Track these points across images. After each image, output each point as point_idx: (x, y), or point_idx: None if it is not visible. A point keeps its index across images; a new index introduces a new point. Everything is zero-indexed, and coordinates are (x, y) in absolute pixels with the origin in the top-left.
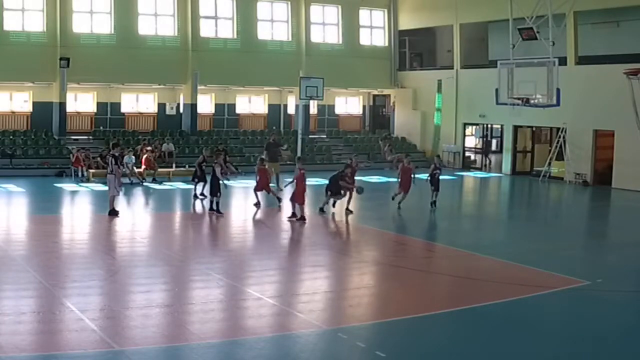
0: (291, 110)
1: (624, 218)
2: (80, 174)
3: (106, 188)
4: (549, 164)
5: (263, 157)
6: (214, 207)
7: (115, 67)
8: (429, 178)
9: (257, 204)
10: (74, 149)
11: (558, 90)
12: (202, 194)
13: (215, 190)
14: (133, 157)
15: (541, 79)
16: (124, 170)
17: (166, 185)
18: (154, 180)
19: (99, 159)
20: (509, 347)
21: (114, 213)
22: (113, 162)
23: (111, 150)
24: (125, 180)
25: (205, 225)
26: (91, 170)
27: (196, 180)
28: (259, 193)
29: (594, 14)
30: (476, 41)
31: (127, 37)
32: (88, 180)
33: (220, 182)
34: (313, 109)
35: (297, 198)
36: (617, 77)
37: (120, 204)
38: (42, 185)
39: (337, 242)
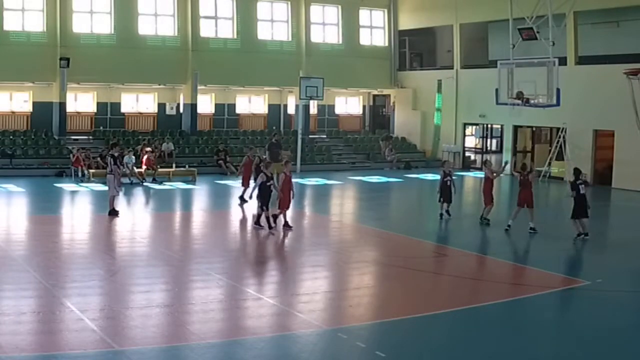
0: (291, 110)
1: (624, 218)
2: (80, 174)
3: (106, 188)
4: (549, 164)
5: (265, 156)
6: (266, 221)
7: (115, 67)
8: (438, 188)
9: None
10: (74, 149)
11: (558, 90)
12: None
13: (266, 201)
14: (133, 157)
15: (541, 79)
16: (123, 170)
17: (166, 185)
18: (154, 180)
19: (99, 159)
20: (509, 347)
21: (114, 213)
22: (112, 162)
23: (110, 151)
24: (125, 180)
25: (205, 225)
26: (91, 170)
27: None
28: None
29: (594, 14)
30: (476, 41)
31: (127, 37)
32: (88, 180)
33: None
34: (313, 109)
35: (283, 204)
36: (617, 77)
37: (121, 204)
38: (42, 185)
39: (337, 242)
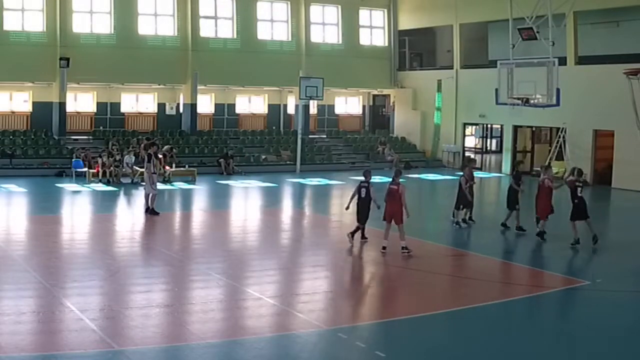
0: (291, 110)
1: (624, 218)
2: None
3: (107, 188)
4: (549, 164)
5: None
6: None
7: (115, 67)
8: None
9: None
10: (81, 151)
11: (558, 90)
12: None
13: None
14: (133, 156)
15: (541, 79)
16: (125, 169)
17: (166, 185)
18: (164, 181)
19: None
20: (509, 347)
21: (153, 213)
22: (152, 160)
23: (148, 150)
24: (126, 180)
25: (205, 225)
26: (91, 171)
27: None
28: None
29: (594, 14)
30: (476, 41)
31: (127, 37)
32: (89, 182)
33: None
34: (313, 109)
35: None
36: (617, 77)
37: (120, 203)
38: (42, 185)
39: (337, 242)
